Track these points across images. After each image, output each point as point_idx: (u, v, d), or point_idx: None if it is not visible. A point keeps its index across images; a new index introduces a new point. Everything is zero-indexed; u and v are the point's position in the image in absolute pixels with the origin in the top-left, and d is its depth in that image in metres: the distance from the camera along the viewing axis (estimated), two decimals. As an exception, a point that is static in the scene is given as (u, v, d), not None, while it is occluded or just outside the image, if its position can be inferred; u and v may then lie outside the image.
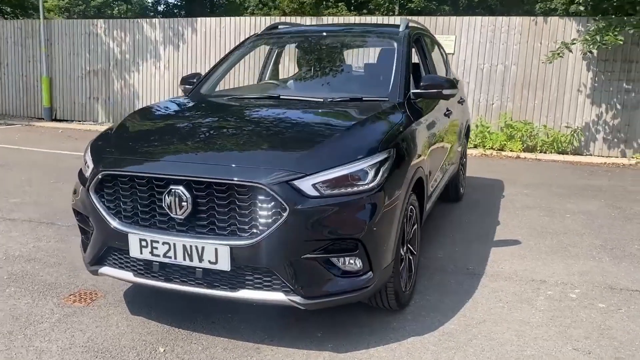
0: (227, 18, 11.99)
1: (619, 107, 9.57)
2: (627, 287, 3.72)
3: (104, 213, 2.84)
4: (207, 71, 4.34)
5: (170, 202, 2.66)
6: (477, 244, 4.57)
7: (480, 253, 4.35)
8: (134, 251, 2.78)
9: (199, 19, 12.07)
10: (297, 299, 2.64)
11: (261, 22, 11.47)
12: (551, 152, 9.66)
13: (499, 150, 9.68)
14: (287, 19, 11.67)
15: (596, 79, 9.61)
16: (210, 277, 2.70)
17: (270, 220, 2.58)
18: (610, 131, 9.65)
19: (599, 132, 9.71)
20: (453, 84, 3.78)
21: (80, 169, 3.20)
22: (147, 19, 13.11)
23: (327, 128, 3.15)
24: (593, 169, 8.51)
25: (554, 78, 9.80)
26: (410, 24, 4.46)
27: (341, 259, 2.69)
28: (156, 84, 12.34)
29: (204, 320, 3.13)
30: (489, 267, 4.05)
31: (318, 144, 2.86)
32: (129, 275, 2.90)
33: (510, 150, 9.60)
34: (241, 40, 4.75)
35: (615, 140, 9.65)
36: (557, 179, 7.51)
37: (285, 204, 2.55)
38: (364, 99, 3.62)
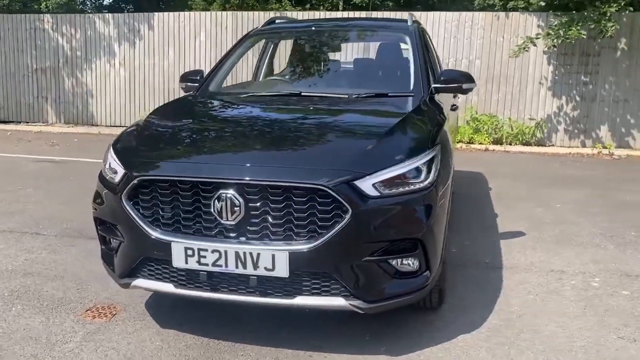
0: (186, 13, 11.62)
1: (578, 99, 9.95)
2: (642, 274, 3.85)
3: (140, 222, 2.63)
4: (211, 68, 4.14)
5: (221, 208, 2.49)
6: (484, 237, 4.60)
7: (490, 246, 4.38)
8: (178, 261, 2.59)
9: (155, 14, 11.60)
10: (358, 303, 2.54)
11: (222, 18, 11.17)
12: (516, 144, 9.93)
13: (468, 143, 9.87)
14: (257, 15, 11.40)
15: (556, 72, 9.94)
16: (265, 284, 2.56)
17: (330, 223, 2.46)
18: (570, 122, 10.02)
19: (560, 123, 10.07)
20: (471, 78, 3.76)
21: (100, 172, 2.96)
22: (100, 14, 12.52)
23: (373, 126, 3.05)
24: (561, 159, 8.80)
25: (517, 72, 10.06)
26: (413, 19, 4.42)
27: (401, 260, 2.61)
28: (111, 82, 11.77)
29: (243, 330, 2.97)
30: (505, 260, 4.08)
31: (371, 142, 2.75)
32: (168, 287, 2.70)
33: (479, 143, 9.80)
34: (241, 37, 4.57)
35: (576, 131, 10.03)
36: (533, 170, 7.71)
37: (347, 206, 2.44)
38: (389, 94, 3.54)
